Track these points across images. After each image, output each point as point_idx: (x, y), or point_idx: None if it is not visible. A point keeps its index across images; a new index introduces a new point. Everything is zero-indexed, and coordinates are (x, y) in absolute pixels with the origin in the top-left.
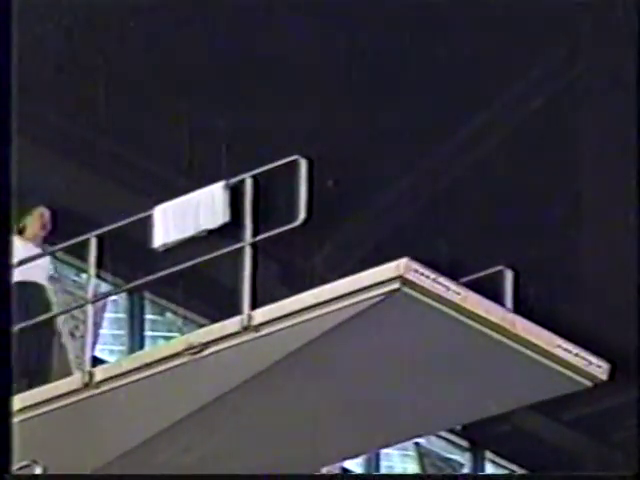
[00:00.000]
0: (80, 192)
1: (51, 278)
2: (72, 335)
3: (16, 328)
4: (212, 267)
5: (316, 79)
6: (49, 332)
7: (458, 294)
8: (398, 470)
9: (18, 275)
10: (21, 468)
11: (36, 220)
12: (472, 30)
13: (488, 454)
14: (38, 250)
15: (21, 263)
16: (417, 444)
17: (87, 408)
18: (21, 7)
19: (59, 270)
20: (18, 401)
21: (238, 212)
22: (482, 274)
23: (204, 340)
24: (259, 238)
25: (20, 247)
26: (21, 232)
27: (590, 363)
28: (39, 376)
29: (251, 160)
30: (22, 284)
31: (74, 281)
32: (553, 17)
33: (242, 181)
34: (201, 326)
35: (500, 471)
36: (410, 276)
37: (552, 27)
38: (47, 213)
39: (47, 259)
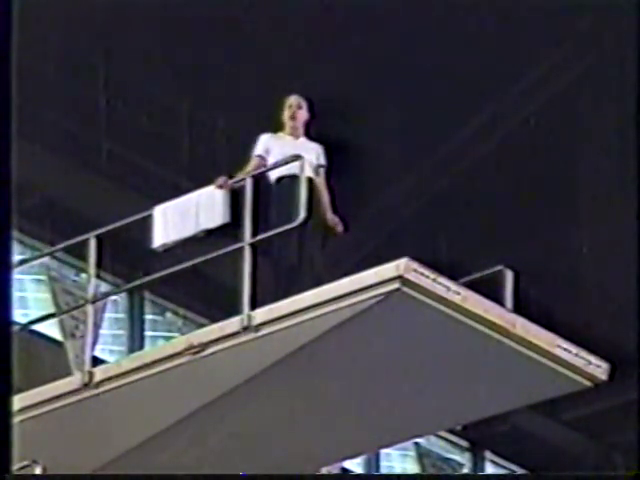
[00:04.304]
0: (80, 192)
1: (51, 278)
2: (72, 335)
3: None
4: (212, 267)
5: (316, 79)
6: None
7: (458, 294)
8: (398, 470)
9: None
10: (21, 468)
11: (286, 112)
12: (473, 29)
13: (488, 454)
14: (297, 144)
15: (20, 263)
16: (417, 444)
17: (87, 408)
18: (21, 7)
19: (59, 270)
20: (18, 401)
21: (238, 212)
22: (482, 274)
23: (204, 340)
24: (259, 238)
25: (277, 143)
26: (281, 129)
27: (590, 363)
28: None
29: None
30: (282, 179)
31: (74, 281)
32: (554, 16)
33: (242, 181)
34: (201, 326)
35: (500, 471)
36: (410, 276)
37: (552, 27)
38: (295, 101)
39: (312, 152)
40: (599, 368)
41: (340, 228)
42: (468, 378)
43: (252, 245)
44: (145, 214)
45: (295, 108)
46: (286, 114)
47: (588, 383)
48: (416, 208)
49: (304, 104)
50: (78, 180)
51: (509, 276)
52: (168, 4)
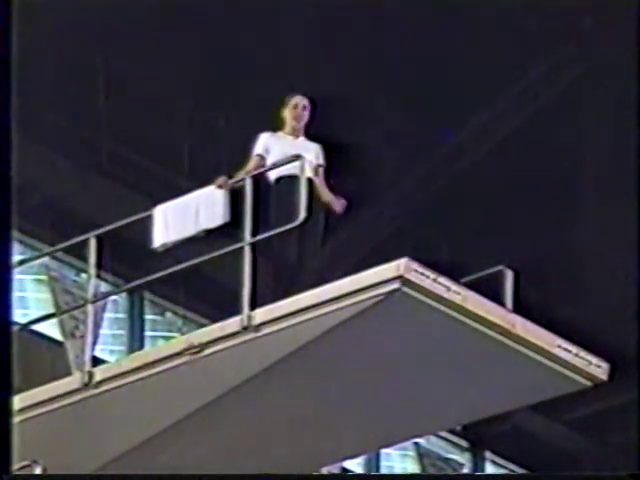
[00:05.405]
0: (80, 192)
1: (51, 278)
2: (72, 335)
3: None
4: (212, 267)
5: (315, 80)
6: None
7: (458, 294)
8: (398, 470)
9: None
10: (21, 468)
11: (289, 112)
12: (473, 29)
13: (488, 454)
14: (297, 143)
15: (20, 263)
16: (417, 444)
17: (87, 408)
18: (21, 7)
19: (59, 270)
20: (18, 401)
21: (238, 212)
22: (482, 274)
23: (204, 340)
24: (259, 238)
25: (276, 143)
26: (280, 127)
27: (590, 363)
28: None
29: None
30: (281, 179)
31: (74, 281)
32: (554, 16)
33: (242, 181)
34: (201, 326)
35: (500, 471)
36: (410, 276)
37: (552, 27)
38: (302, 102)
39: (312, 151)
40: (599, 368)
41: (339, 208)
42: (468, 378)
43: (252, 245)
44: (145, 214)
45: (300, 109)
46: (291, 114)
47: (588, 383)
48: (416, 208)
49: (308, 106)
50: (78, 180)
51: (509, 276)
52: (168, 4)
